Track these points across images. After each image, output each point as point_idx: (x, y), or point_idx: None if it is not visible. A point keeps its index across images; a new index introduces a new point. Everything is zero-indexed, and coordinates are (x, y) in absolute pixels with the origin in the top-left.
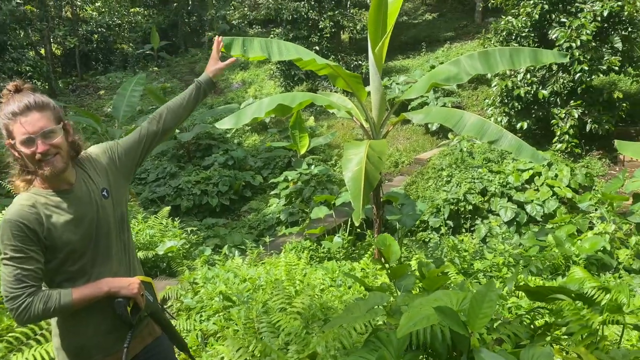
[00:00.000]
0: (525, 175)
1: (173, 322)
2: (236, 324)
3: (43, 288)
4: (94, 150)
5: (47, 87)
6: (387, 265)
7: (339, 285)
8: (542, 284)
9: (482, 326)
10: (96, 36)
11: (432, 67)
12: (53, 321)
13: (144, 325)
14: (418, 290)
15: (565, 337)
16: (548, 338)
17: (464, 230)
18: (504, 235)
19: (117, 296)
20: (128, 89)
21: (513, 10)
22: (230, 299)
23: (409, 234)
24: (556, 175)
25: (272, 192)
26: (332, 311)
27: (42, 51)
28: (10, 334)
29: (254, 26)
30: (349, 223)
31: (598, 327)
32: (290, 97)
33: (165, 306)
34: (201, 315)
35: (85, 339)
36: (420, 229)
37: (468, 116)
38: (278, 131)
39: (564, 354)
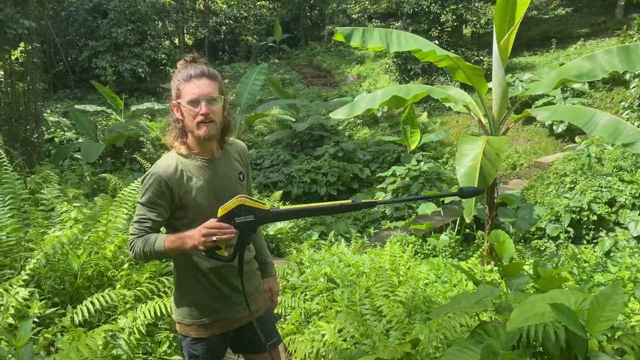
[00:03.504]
0: None
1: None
2: (339, 306)
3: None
4: (239, 141)
5: None
6: (495, 262)
7: (444, 282)
8: None
9: (602, 330)
10: (224, 28)
11: (562, 64)
12: (176, 277)
13: (251, 298)
14: (532, 291)
15: None
16: None
17: (585, 241)
18: (632, 250)
19: (196, 248)
20: (251, 77)
21: None
22: (334, 281)
23: (522, 240)
24: None
25: (379, 186)
26: (436, 306)
27: (176, 41)
28: (138, 288)
29: (373, 20)
30: (458, 222)
31: None
32: (406, 89)
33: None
34: (305, 295)
35: (198, 299)
36: (536, 236)
37: (601, 115)
38: (389, 125)
39: None
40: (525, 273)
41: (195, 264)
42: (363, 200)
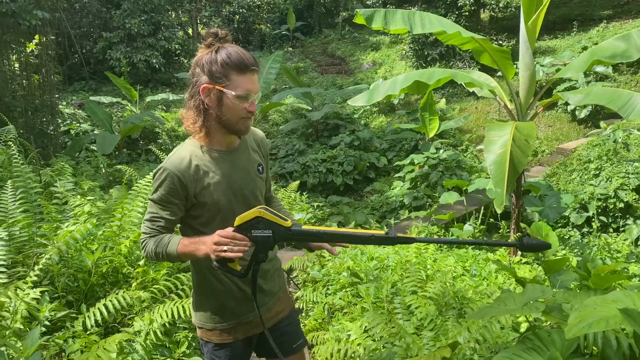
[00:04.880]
0: None
1: (298, 292)
2: (365, 301)
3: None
4: (258, 130)
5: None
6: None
7: (474, 275)
8: None
9: None
10: (237, 17)
11: (584, 48)
12: (196, 280)
13: (274, 299)
14: (579, 289)
15: None
16: None
17: (611, 229)
18: None
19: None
20: (265, 66)
21: None
22: (358, 276)
23: None
24: None
25: (397, 175)
26: (467, 301)
27: (190, 31)
28: (155, 286)
29: (388, 5)
30: (482, 212)
31: None
32: (428, 74)
33: (291, 276)
34: (327, 289)
35: (220, 302)
36: (559, 225)
37: (639, 98)
38: (406, 113)
39: None
40: (567, 267)
41: None
42: (399, 234)
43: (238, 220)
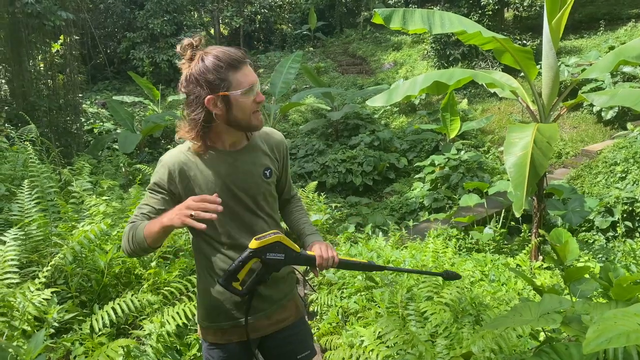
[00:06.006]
0: None
1: (313, 295)
2: (379, 306)
3: None
4: (276, 132)
5: None
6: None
7: (492, 281)
8: None
9: None
10: (259, 17)
11: (611, 47)
12: (197, 278)
13: (276, 306)
14: (600, 298)
15: None
16: None
17: (637, 234)
18: None
19: (173, 227)
20: (285, 66)
21: None
22: (373, 279)
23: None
24: None
25: (417, 176)
26: (484, 308)
27: (212, 31)
28: (166, 288)
29: (410, 5)
30: (502, 215)
31: None
32: (448, 74)
33: (306, 278)
34: (342, 292)
35: (216, 303)
36: (583, 228)
37: None
38: (427, 113)
39: None
40: (589, 276)
41: (215, 266)
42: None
43: (257, 244)
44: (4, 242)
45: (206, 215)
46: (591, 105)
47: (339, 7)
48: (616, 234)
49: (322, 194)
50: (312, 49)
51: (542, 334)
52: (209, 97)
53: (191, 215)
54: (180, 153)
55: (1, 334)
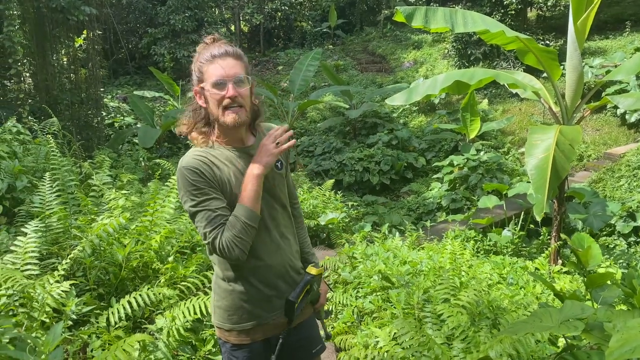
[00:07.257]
0: None
1: (330, 294)
2: (395, 307)
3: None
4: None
5: None
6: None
7: (510, 284)
8: None
9: None
10: (279, 14)
11: (637, 49)
12: (214, 279)
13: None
14: (623, 306)
15: None
16: None
17: None
18: None
19: (265, 171)
20: (304, 63)
21: None
22: (390, 280)
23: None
24: None
25: (435, 176)
26: (502, 311)
27: (232, 28)
28: (183, 283)
29: (432, 3)
30: (522, 217)
31: None
32: (470, 74)
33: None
34: (358, 292)
35: (238, 303)
36: (604, 233)
37: None
38: (447, 113)
39: None
40: (611, 282)
41: (234, 265)
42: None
43: (316, 271)
44: (25, 234)
45: (290, 143)
46: (615, 107)
47: (360, 5)
48: (638, 239)
49: (338, 192)
50: (331, 46)
51: (561, 340)
52: (194, 88)
53: (277, 144)
54: (196, 154)
55: (20, 325)
